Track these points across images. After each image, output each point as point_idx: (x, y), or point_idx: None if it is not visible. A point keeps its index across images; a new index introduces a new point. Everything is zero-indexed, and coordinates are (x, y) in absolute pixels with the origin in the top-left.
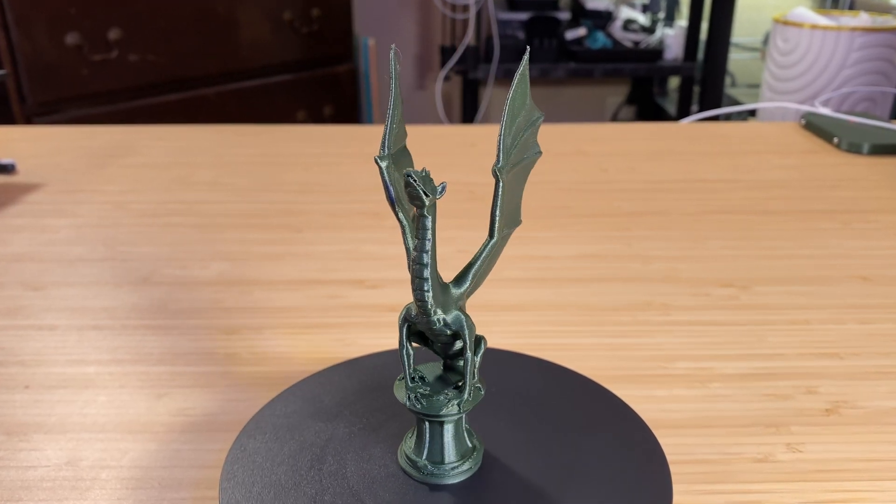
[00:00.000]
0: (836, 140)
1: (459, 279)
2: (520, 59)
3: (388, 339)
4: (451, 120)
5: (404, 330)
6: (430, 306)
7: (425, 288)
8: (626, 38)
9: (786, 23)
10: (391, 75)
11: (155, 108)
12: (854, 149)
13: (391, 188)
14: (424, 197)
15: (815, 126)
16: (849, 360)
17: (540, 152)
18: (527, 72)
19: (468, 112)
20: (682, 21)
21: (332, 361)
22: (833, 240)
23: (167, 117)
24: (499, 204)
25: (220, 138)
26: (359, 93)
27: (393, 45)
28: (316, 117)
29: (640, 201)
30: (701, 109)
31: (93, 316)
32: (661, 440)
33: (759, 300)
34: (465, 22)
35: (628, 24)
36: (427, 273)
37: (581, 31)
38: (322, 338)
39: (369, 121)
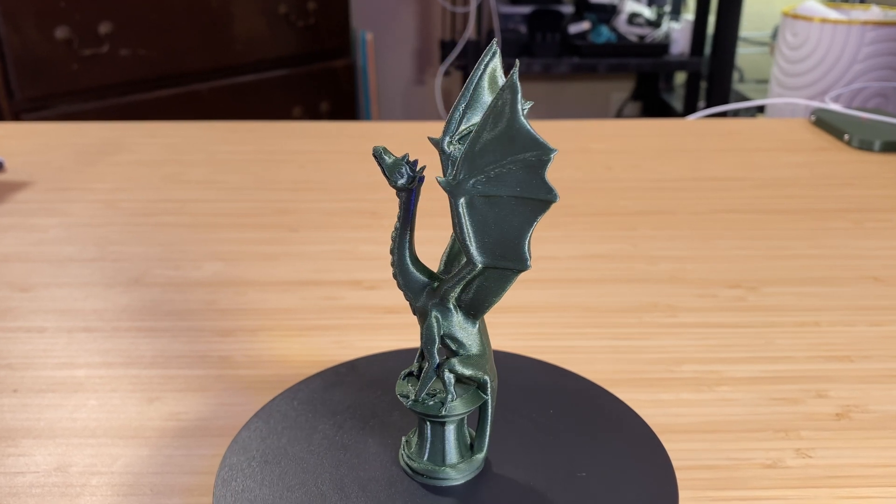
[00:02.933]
0: (846, 137)
1: (439, 289)
2: (522, 53)
3: (386, 341)
4: None
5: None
6: (400, 286)
7: (392, 260)
8: (631, 33)
9: (795, 16)
10: (482, 64)
11: (147, 104)
12: (865, 146)
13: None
14: (387, 178)
15: (825, 122)
16: (860, 363)
17: (550, 198)
18: (515, 87)
19: None
20: (689, 15)
21: (329, 364)
22: (844, 239)
23: (159, 113)
24: (463, 226)
25: (213, 135)
26: (356, 88)
27: (494, 41)
28: (312, 113)
29: (645, 200)
30: (708, 105)
31: (83, 318)
32: (666, 445)
33: (768, 301)
34: (466, 16)
35: (633, 18)
36: (393, 247)
37: (585, 25)
38: (318, 340)
39: (367, 117)
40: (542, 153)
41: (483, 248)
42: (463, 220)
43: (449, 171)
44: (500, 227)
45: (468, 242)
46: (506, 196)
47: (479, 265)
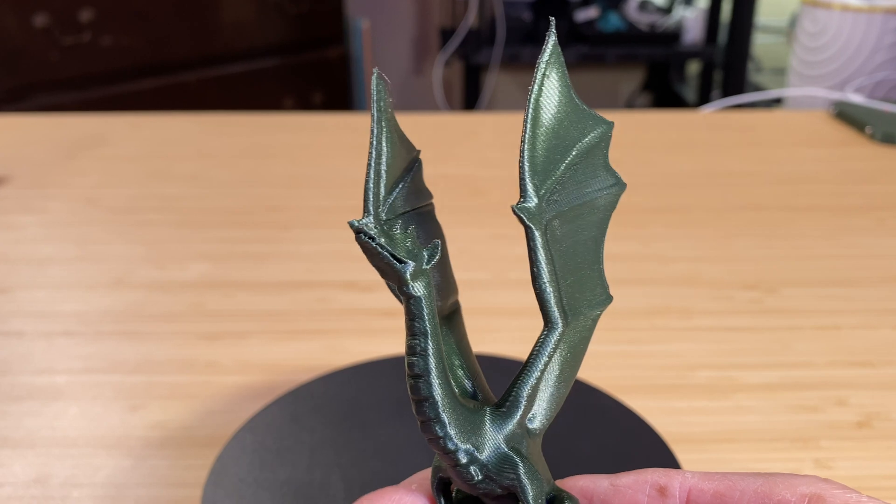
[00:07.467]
0: (868, 130)
1: (507, 399)
2: (525, 42)
3: (381, 346)
4: (451, 107)
5: (439, 494)
6: (445, 441)
7: (428, 413)
8: (642, 20)
9: (814, 3)
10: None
11: (130, 95)
12: (888, 139)
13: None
14: (396, 264)
15: (846, 115)
16: (882, 368)
17: (619, 184)
18: (559, 57)
19: (470, 99)
20: (703, 1)
21: (322, 370)
22: (866, 238)
23: (143, 105)
24: (542, 266)
25: (200, 128)
26: (351, 79)
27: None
28: (304, 105)
29: (657, 197)
30: (723, 97)
31: (63, 321)
32: (679, 456)
33: (787, 304)
34: (467, 3)
35: (644, 5)
36: (429, 387)
37: (593, 12)
38: (311, 345)
39: (362, 109)
40: (601, 125)
41: (564, 293)
42: (539, 259)
43: (529, 189)
44: (574, 251)
45: (548, 295)
46: (578, 205)
47: (565, 325)
